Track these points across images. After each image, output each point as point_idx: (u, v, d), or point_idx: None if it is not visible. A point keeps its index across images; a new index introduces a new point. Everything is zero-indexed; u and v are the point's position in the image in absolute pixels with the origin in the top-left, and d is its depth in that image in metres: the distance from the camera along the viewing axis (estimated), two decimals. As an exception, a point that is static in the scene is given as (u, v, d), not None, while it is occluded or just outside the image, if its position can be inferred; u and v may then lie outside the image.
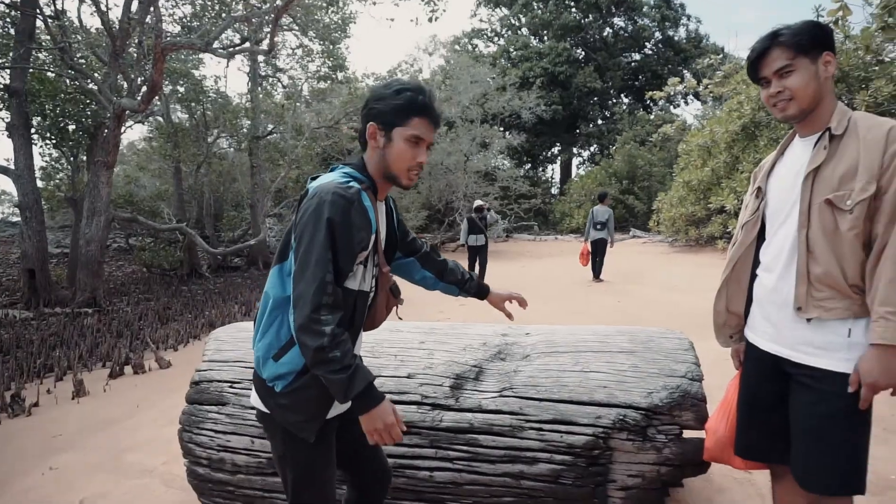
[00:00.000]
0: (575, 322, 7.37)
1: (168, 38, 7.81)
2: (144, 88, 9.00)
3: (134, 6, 10.41)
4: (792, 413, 1.71)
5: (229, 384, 2.49)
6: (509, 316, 2.02)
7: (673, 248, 16.21)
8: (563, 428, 2.07)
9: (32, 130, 10.55)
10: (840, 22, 6.25)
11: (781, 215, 1.72)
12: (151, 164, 19.71)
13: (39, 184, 11.90)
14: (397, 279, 1.87)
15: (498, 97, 22.27)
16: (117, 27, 10.04)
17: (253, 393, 1.64)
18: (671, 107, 31.74)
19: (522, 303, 2.03)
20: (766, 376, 1.80)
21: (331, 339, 1.37)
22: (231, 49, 10.96)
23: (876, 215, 1.53)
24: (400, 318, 2.16)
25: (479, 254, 10.99)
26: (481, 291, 2.01)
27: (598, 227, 11.07)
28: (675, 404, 2.04)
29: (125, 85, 9.94)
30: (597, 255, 11.26)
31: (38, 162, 12.57)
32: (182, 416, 2.53)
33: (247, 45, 11.90)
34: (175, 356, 7.17)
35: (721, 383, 4.30)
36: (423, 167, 1.60)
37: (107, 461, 3.59)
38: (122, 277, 17.12)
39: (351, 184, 1.50)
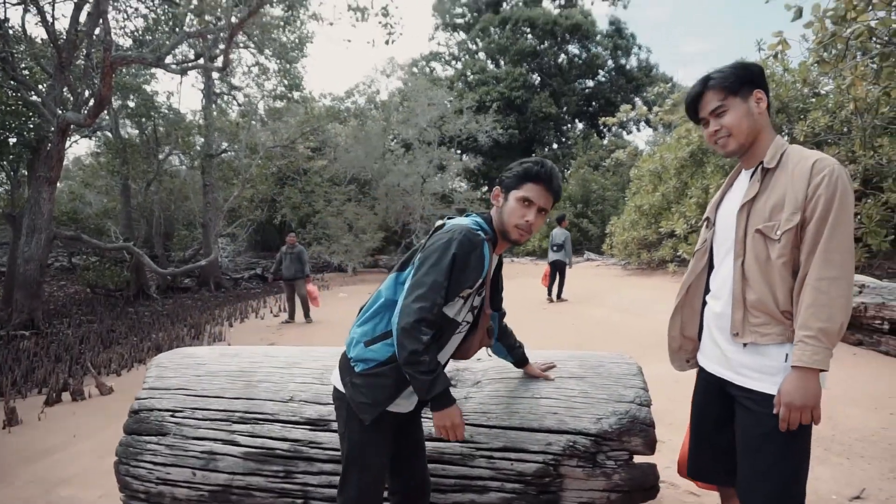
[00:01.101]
0: (531, 344, 7.40)
1: (118, 52, 7.60)
2: (91, 102, 8.71)
3: (83, 17, 10.15)
4: (736, 435, 1.76)
5: (170, 413, 2.39)
6: (546, 377, 2.29)
7: (626, 270, 16.53)
8: (513, 455, 2.06)
9: (-31, 143, 10.10)
10: (779, 55, 6.55)
11: (726, 244, 1.80)
12: (98, 180, 19.06)
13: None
14: None
15: (455, 120, 22.48)
16: (64, 38, 9.76)
17: (335, 371, 1.93)
18: (624, 133, 32.70)
19: (549, 374, 2.29)
20: (713, 399, 1.86)
21: (425, 347, 1.64)
22: (184, 65, 10.73)
23: (801, 244, 1.61)
24: (489, 356, 2.37)
25: None
26: (522, 361, 2.29)
27: (555, 248, 11.29)
28: (625, 430, 2.05)
29: (71, 98, 9.61)
30: (555, 277, 11.43)
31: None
32: (119, 448, 2.41)
33: (200, 61, 11.69)
34: (118, 381, 6.87)
35: (671, 408, 4.37)
36: (532, 228, 1.82)
37: (38, 496, 3.39)
38: (64, 298, 16.40)
39: (479, 232, 1.77)
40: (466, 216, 1.87)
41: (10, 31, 9.80)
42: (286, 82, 16.24)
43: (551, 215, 17.64)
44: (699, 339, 1.95)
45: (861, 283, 5.87)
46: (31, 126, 10.16)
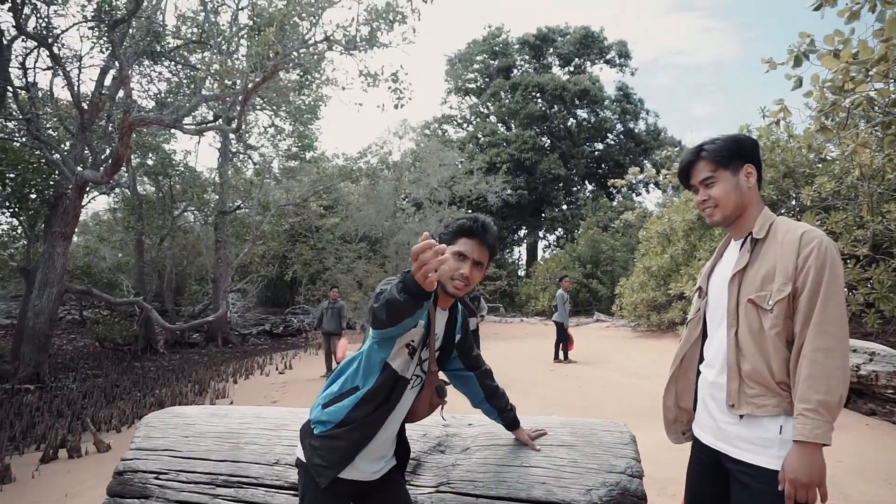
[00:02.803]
0: (534, 407, 7.26)
1: (138, 114, 7.91)
2: (109, 161, 8.98)
3: (107, 81, 10.59)
4: None
5: (155, 475, 2.36)
6: (532, 446, 2.22)
7: (635, 332, 16.34)
8: (499, 527, 2.00)
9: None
10: (782, 122, 6.65)
11: (719, 313, 1.79)
12: (114, 235, 19.41)
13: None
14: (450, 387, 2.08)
15: (465, 180, 22.86)
16: (89, 101, 10.16)
17: (299, 442, 1.89)
18: (633, 194, 32.97)
19: (536, 444, 2.24)
20: (708, 473, 1.81)
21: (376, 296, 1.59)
22: (200, 126, 11.09)
23: (794, 315, 1.60)
24: (444, 419, 2.37)
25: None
26: (513, 424, 2.23)
27: (554, 308, 11.41)
28: (615, 502, 1.99)
29: (90, 157, 9.93)
30: (557, 337, 11.39)
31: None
32: (101, 511, 2.37)
33: (218, 122, 12.08)
34: (117, 438, 6.80)
35: (675, 475, 4.23)
36: (468, 281, 1.81)
37: (21, 558, 3.31)
38: (73, 351, 16.43)
39: None
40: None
41: (38, 94, 10.24)
42: (300, 143, 16.65)
43: (558, 275, 17.58)
44: (695, 409, 1.91)
45: (871, 351, 5.75)
46: (52, 183, 10.46)
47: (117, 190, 17.34)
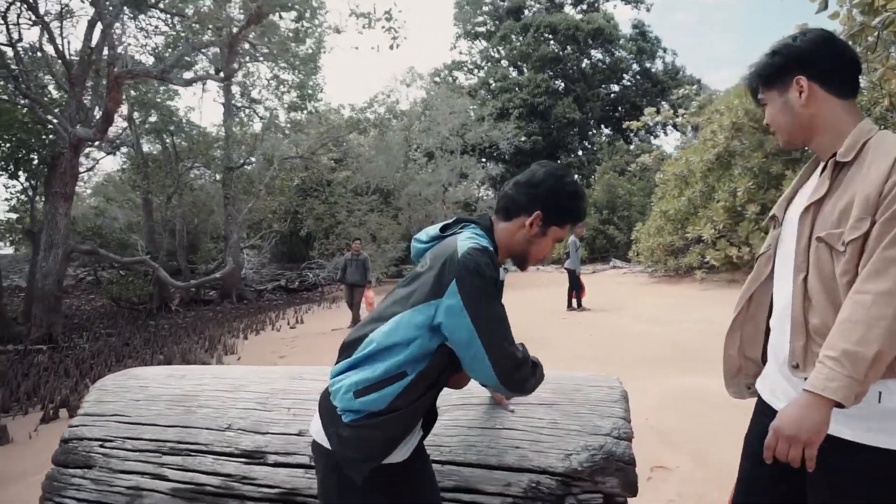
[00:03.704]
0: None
1: (125, 68, 7.60)
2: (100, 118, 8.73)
3: (96, 35, 10.22)
4: (808, 495, 1.40)
5: (100, 443, 2.16)
6: (506, 406, 2.00)
7: (652, 278, 16.02)
8: (466, 497, 1.77)
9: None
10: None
11: (789, 253, 1.46)
12: (120, 195, 19.34)
13: (3, 216, 11.54)
14: None
15: (476, 128, 22.29)
16: (79, 56, 9.83)
17: (314, 420, 1.61)
18: (651, 137, 32.05)
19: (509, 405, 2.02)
20: None
21: (524, 359, 1.55)
22: (191, 77, 10.73)
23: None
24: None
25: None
26: None
27: (566, 256, 11.16)
28: (598, 468, 1.74)
29: (83, 114, 9.67)
30: (570, 285, 11.16)
31: (3, 193, 12.21)
32: (44, 482, 2.19)
33: (211, 72, 11.69)
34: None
35: (682, 427, 4.01)
36: None
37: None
38: (90, 311, 16.59)
39: (489, 247, 1.55)
40: (463, 228, 1.63)
41: (28, 50, 9.91)
42: (301, 94, 16.21)
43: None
44: (763, 360, 1.58)
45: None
46: (48, 143, 10.25)
47: (124, 149, 17.16)
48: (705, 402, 4.43)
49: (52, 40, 8.36)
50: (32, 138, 10.42)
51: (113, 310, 16.03)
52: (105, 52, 9.06)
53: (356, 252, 11.11)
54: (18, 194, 13.14)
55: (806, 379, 1.27)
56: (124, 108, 14.45)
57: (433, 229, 1.68)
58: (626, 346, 7.46)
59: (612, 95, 33.41)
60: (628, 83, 33.44)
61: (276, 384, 2.26)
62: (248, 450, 2.02)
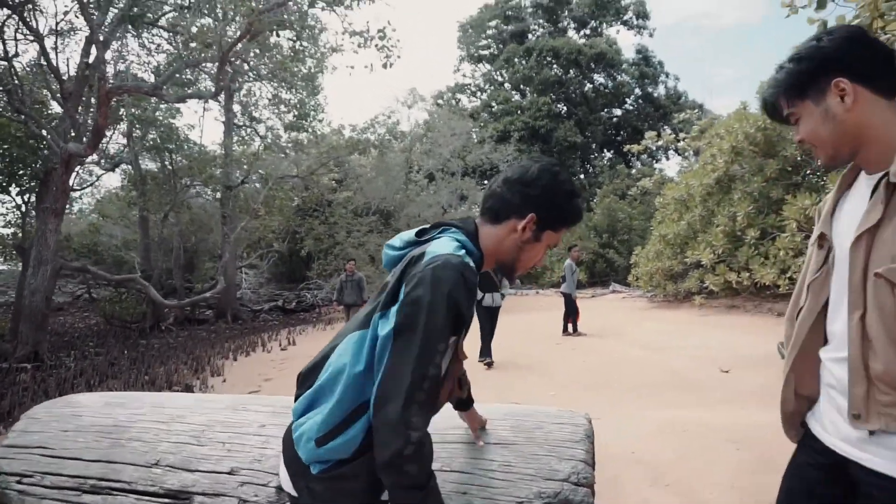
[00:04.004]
0: (531, 386, 6.85)
1: (113, 83, 7.55)
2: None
3: (95, 53, 10.21)
4: None
5: (17, 479, 1.98)
6: (476, 438, 1.76)
7: (651, 303, 15.82)
8: (404, 551, 1.58)
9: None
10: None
11: (841, 282, 1.26)
12: (116, 212, 19.29)
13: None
14: None
15: (476, 150, 22.29)
16: (76, 72, 9.80)
17: (282, 468, 1.38)
18: (653, 161, 32.04)
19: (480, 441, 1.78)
20: (818, 482, 1.32)
21: (416, 446, 1.18)
22: (181, 94, 10.70)
23: None
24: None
25: (493, 317, 8.19)
26: (466, 403, 1.75)
27: (562, 280, 11.02)
28: (552, 518, 1.55)
29: (73, 130, 9.62)
30: (566, 309, 10.97)
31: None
32: (-43, 520, 2.01)
33: (199, 89, 11.68)
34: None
35: (675, 460, 3.79)
36: None
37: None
38: (83, 329, 16.40)
39: (470, 262, 1.29)
40: (442, 232, 1.40)
41: (24, 66, 9.90)
42: (299, 112, 16.23)
43: (565, 244, 17.14)
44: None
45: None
46: (40, 158, 10.18)
47: (124, 167, 17.12)
48: (699, 435, 4.22)
49: (45, 55, 8.33)
50: (26, 153, 10.36)
51: (105, 328, 15.85)
52: (102, 66, 9.04)
53: (350, 272, 11.15)
54: (13, 209, 13.10)
55: (872, 433, 1.12)
56: (124, 125, 14.49)
57: (408, 234, 1.46)
58: (622, 372, 7.25)
59: (615, 119, 33.51)
60: (630, 107, 33.55)
61: (216, 415, 2.08)
62: (172, 489, 1.83)
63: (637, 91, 32.85)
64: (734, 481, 3.29)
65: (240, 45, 8.08)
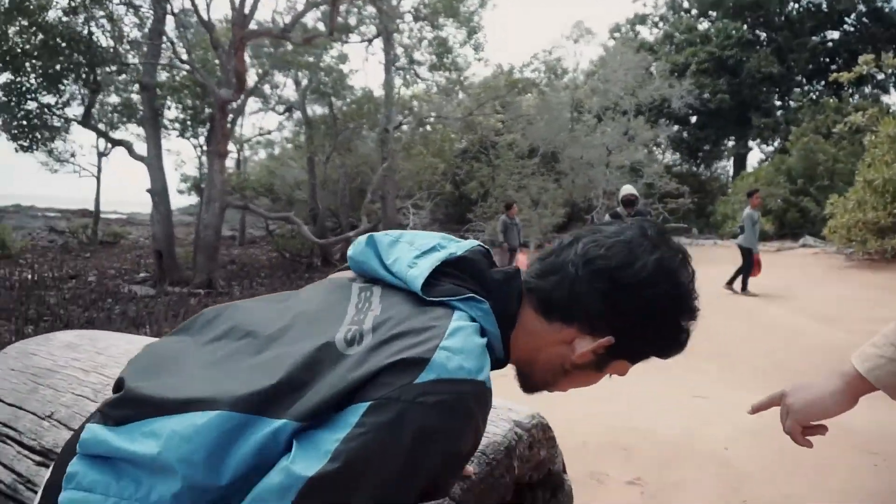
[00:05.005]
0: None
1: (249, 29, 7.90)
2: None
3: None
4: None
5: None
6: None
7: (849, 261, 13.39)
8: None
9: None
10: None
11: None
12: (290, 154, 20.85)
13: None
14: None
15: (647, 84, 20.32)
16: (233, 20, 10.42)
17: None
18: (875, 94, 26.80)
19: None
20: None
21: None
22: (307, 35, 10.97)
23: None
24: None
25: None
26: None
27: (740, 230, 9.66)
28: None
29: (221, 76, 10.31)
30: (742, 264, 9.55)
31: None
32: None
33: (321, 29, 11.81)
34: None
35: (760, 465, 2.99)
36: None
37: None
38: (264, 262, 18.23)
39: (486, 372, 0.77)
40: (464, 301, 0.83)
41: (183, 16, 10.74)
42: (456, 53, 15.98)
43: (744, 188, 14.95)
44: None
45: None
46: (207, 105, 11.15)
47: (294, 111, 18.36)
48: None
49: (193, 3, 8.98)
50: (198, 101, 11.37)
51: (279, 262, 17.43)
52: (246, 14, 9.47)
53: (511, 217, 11.15)
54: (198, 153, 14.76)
55: None
56: (294, 72, 15.39)
57: (411, 258, 0.90)
58: (761, 345, 6.14)
59: (829, 44, 28.34)
60: (851, 27, 28.10)
61: (131, 369, 1.90)
62: (45, 447, 1.68)
63: (861, 7, 27.29)
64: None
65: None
